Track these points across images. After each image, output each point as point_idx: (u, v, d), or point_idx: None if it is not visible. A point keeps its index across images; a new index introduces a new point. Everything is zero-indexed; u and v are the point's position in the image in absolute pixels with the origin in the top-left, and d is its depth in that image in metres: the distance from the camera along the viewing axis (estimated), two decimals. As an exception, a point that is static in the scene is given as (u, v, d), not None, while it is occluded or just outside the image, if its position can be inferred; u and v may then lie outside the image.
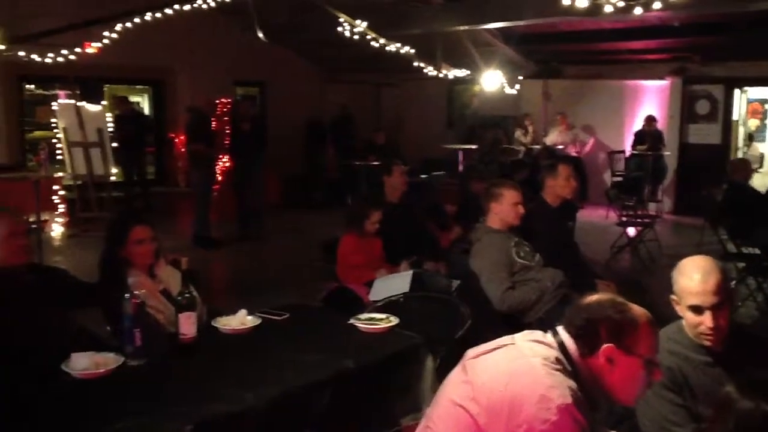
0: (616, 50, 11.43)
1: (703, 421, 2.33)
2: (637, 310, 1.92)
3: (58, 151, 10.03)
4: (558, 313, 3.65)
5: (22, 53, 8.72)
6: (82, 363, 2.58)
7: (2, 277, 3.03)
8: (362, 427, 2.81)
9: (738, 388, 1.80)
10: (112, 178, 10.23)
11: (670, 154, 11.46)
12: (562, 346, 1.90)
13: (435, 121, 14.16)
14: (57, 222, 9.44)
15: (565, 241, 4.80)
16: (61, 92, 11.05)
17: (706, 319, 2.34)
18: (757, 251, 6.27)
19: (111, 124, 10.47)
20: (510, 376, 1.83)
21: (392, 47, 9.48)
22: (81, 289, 3.35)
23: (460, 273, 4.38)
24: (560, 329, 1.95)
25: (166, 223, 8.90)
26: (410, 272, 4.35)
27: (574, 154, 11.67)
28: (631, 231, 8.33)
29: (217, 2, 8.24)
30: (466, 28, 9.70)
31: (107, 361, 2.62)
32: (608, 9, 5.77)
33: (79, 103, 10.09)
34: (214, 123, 10.42)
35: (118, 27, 8.66)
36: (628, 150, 11.83)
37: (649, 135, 11.35)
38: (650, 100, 11.91)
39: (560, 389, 1.77)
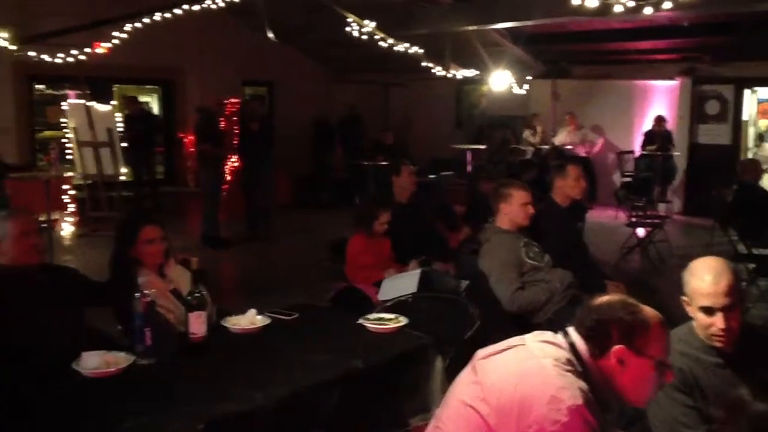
0: (625, 50, 11.39)
1: (714, 423, 2.32)
2: (649, 311, 1.91)
3: (68, 151, 10.07)
4: (567, 313, 3.64)
5: (32, 53, 8.77)
6: (93, 362, 2.59)
7: (14, 277, 3.06)
8: (371, 427, 2.81)
9: (750, 390, 1.79)
10: (122, 178, 10.26)
11: (679, 155, 11.41)
12: (572, 347, 1.90)
13: (443, 121, 14.14)
14: (67, 221, 9.49)
15: (575, 241, 4.78)
16: (70, 92, 11.10)
17: (718, 321, 2.33)
18: (768, 252, 6.24)
19: (120, 124, 10.50)
20: (520, 376, 1.82)
21: (401, 47, 9.47)
22: (91, 289, 3.37)
23: (469, 273, 4.37)
24: (571, 330, 1.94)
25: (175, 222, 8.92)
26: (418, 271, 4.35)
27: (583, 155, 11.62)
28: (641, 232, 8.30)
29: (226, 2, 8.25)
30: (475, 28, 9.68)
31: (118, 360, 2.63)
32: (618, 9, 5.74)
33: (88, 103, 10.13)
34: (222, 123, 10.46)
35: (128, 27, 8.68)
36: (637, 150, 11.79)
37: (658, 135, 11.30)
38: (660, 100, 11.86)
39: (571, 390, 1.76)
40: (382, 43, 9.18)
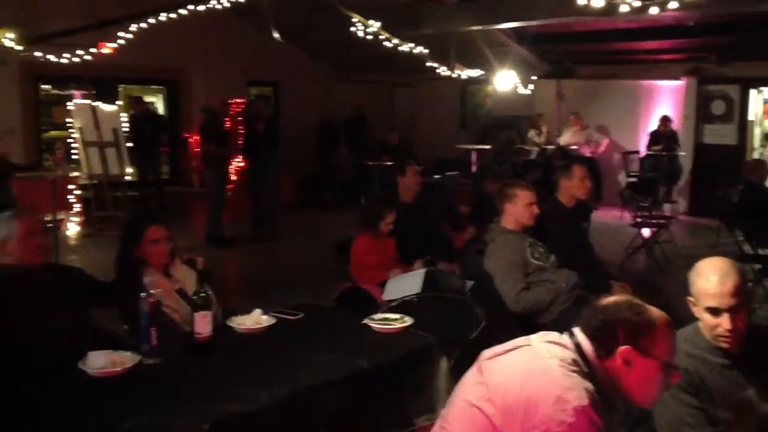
0: (630, 50, 11.36)
1: (720, 424, 2.31)
2: (655, 312, 1.91)
3: (73, 151, 10.10)
4: (573, 314, 3.64)
5: (38, 53, 8.79)
6: (99, 361, 2.60)
7: (20, 277, 3.06)
8: (376, 427, 2.81)
9: (757, 391, 1.78)
10: (127, 178, 10.29)
11: (685, 155, 11.38)
12: (578, 347, 1.89)
13: (448, 122, 14.13)
14: (72, 221, 9.52)
15: (580, 241, 4.78)
16: (76, 92, 11.14)
17: (724, 321, 2.32)
18: (774, 253, 6.23)
19: (126, 124, 10.52)
20: (526, 377, 1.82)
21: (405, 47, 9.47)
22: (97, 288, 3.38)
23: (474, 273, 4.37)
24: (576, 330, 1.94)
25: (180, 222, 8.95)
26: (423, 271, 4.35)
27: (588, 155, 11.60)
28: (646, 232, 8.28)
29: (231, 2, 8.26)
30: (480, 28, 9.67)
31: (124, 359, 2.64)
32: (624, 9, 5.71)
33: (94, 103, 10.16)
34: (227, 123, 10.47)
35: (133, 27, 8.70)
36: (642, 150, 11.76)
37: (664, 135, 11.27)
38: (665, 100, 11.83)
39: (577, 391, 1.76)
40: (387, 43, 9.18)
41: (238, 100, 11.26)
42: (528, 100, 12.27)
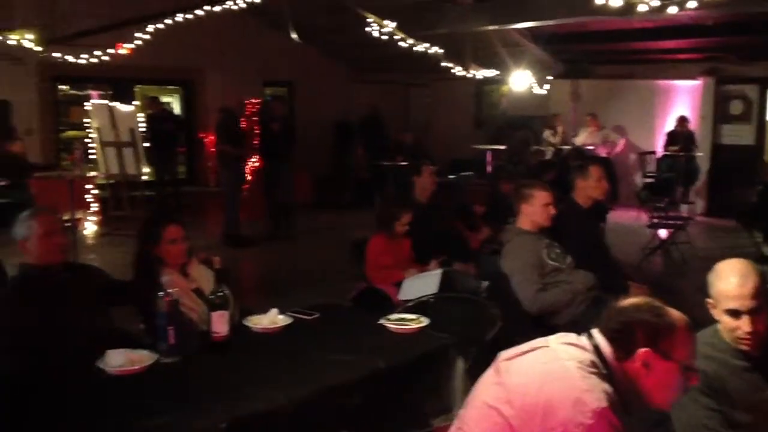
0: (646, 50, 11.28)
1: (739, 427, 2.30)
2: (675, 314, 1.89)
3: (91, 151, 10.18)
4: (589, 315, 3.63)
5: (56, 54, 8.87)
6: (118, 360, 2.62)
7: (38, 276, 3.09)
8: (393, 428, 2.81)
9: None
10: (144, 178, 10.36)
11: (702, 155, 11.29)
12: (597, 349, 1.88)
13: (463, 122, 14.11)
14: (90, 220, 9.59)
15: (596, 242, 4.75)
16: (93, 93, 11.23)
17: (744, 324, 2.30)
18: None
19: (143, 125, 10.60)
20: (544, 378, 1.82)
21: (421, 47, 9.46)
22: (115, 287, 3.41)
23: (490, 274, 4.36)
24: (595, 332, 1.93)
25: (196, 222, 9.01)
26: (439, 271, 4.35)
27: (604, 155, 11.54)
28: (663, 233, 8.22)
29: (247, 3, 8.29)
30: (496, 28, 9.64)
31: (142, 358, 2.66)
32: (642, 8, 5.67)
33: (111, 104, 10.24)
34: (243, 123, 10.51)
35: (150, 28, 8.76)
36: (659, 151, 11.69)
37: (681, 136, 11.19)
38: (682, 100, 11.75)
39: (595, 393, 1.75)
40: (402, 44, 9.18)
41: (253, 101, 11.30)
42: (543, 100, 12.23)
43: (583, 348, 1.89)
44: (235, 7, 8.40)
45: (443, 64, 10.23)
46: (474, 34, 10.03)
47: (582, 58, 12.09)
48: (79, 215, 8.92)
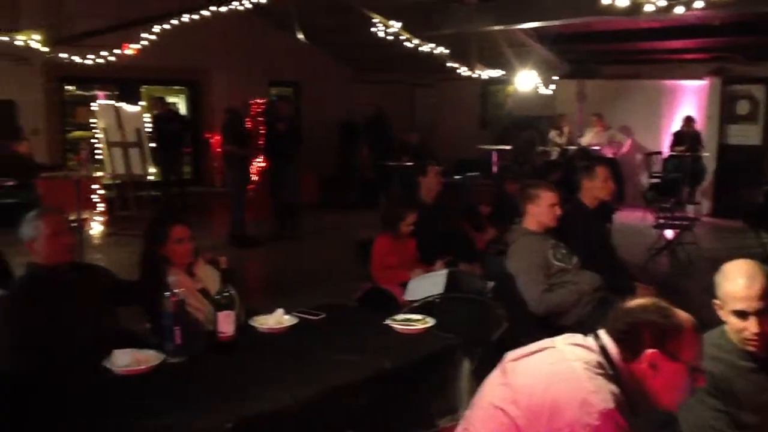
0: (653, 50, 11.25)
1: (746, 428, 2.29)
2: (682, 315, 1.89)
3: (97, 151, 10.22)
4: (595, 316, 3.62)
5: (63, 55, 8.90)
6: (124, 360, 2.63)
7: (46, 275, 3.10)
8: (399, 428, 2.81)
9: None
10: (150, 178, 10.37)
11: (708, 156, 11.26)
12: (603, 349, 1.88)
13: (469, 122, 14.10)
14: (96, 220, 9.62)
15: (602, 243, 4.74)
16: (100, 93, 11.26)
17: (751, 325, 2.30)
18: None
19: (149, 125, 10.62)
20: (551, 379, 1.81)
21: (426, 48, 9.46)
22: (121, 287, 3.41)
23: (496, 274, 4.35)
24: (602, 333, 1.93)
25: (202, 222, 9.02)
26: (445, 271, 4.34)
27: (610, 156, 11.52)
28: (669, 233, 8.20)
29: (252, 4, 8.30)
30: (501, 28, 9.63)
31: (148, 358, 2.67)
32: (649, 8, 5.64)
33: (117, 104, 10.27)
34: (249, 123, 10.52)
35: (156, 29, 8.78)
36: (665, 151, 11.66)
37: (687, 136, 11.16)
38: (688, 100, 11.71)
39: (602, 394, 1.75)
40: (407, 44, 9.18)
41: (259, 101, 11.32)
42: (549, 100, 12.20)
43: (589, 349, 1.89)
44: (241, 8, 8.42)
45: (449, 64, 10.22)
46: (479, 34, 10.01)
47: (588, 58, 12.06)
48: (85, 215, 8.95)
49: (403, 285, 4.38)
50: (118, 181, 10.24)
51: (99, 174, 9.55)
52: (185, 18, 8.64)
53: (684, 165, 11.13)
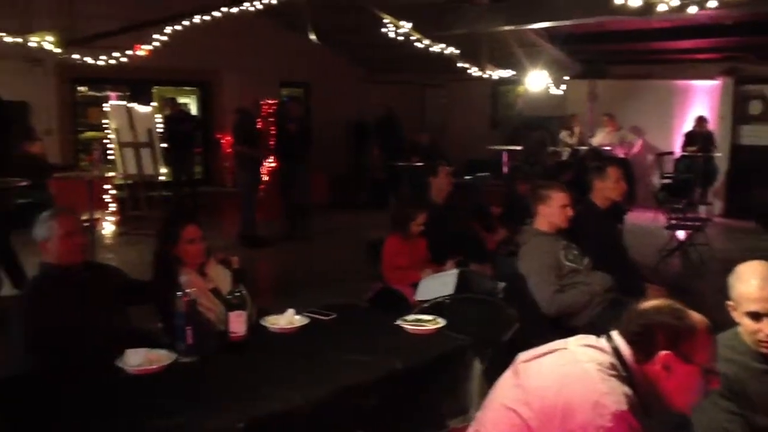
0: (664, 50, 11.19)
1: (760, 431, 2.27)
2: (696, 316, 1.88)
3: (109, 152, 10.27)
4: (607, 317, 3.61)
5: (75, 56, 8.95)
6: (137, 359, 2.64)
7: (59, 275, 3.12)
8: (409, 428, 2.81)
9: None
10: (161, 178, 10.42)
11: (721, 156, 11.19)
12: (616, 351, 1.87)
13: (479, 122, 14.08)
14: (108, 220, 9.67)
15: (614, 244, 4.72)
16: (112, 94, 11.32)
17: (765, 326, 2.28)
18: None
19: (160, 125, 10.67)
20: (563, 381, 1.81)
21: (437, 48, 9.45)
22: (133, 287, 3.44)
23: (506, 275, 4.35)
24: (614, 334, 1.92)
25: (213, 222, 9.06)
26: (455, 272, 4.34)
27: (622, 156, 11.47)
28: (681, 234, 8.16)
29: (264, 4, 8.32)
30: (512, 28, 9.61)
31: (160, 357, 2.68)
32: (662, 8, 5.59)
33: (129, 105, 10.32)
34: (259, 124, 10.55)
35: (168, 30, 8.81)
36: (677, 151, 11.59)
37: (699, 136, 11.10)
38: (701, 100, 11.65)
39: (615, 396, 1.74)
40: (418, 44, 9.17)
41: (270, 101, 11.34)
42: (560, 100, 12.17)
43: (602, 350, 1.88)
44: (252, 9, 8.43)
45: (459, 64, 10.21)
46: (490, 35, 9.99)
47: (599, 58, 12.01)
48: (97, 215, 9.00)
49: (414, 285, 4.38)
50: (129, 182, 10.29)
51: (111, 174, 9.61)
52: (197, 19, 8.66)
53: (696, 165, 11.07)
